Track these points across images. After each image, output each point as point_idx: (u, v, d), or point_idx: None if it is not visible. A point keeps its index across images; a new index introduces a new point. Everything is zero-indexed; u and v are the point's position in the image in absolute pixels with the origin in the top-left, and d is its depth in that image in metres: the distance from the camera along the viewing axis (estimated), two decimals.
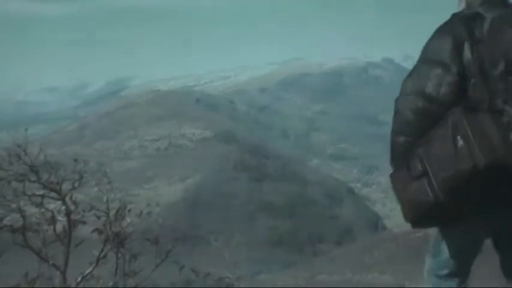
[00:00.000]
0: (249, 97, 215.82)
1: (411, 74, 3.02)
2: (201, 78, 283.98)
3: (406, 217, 2.96)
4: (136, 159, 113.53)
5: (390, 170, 3.07)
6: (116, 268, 5.89)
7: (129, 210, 5.95)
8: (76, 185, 5.93)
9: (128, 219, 5.89)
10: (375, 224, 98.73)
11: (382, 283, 51.43)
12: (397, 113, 3.00)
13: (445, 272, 3.13)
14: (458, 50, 2.89)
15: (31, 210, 5.81)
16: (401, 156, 2.96)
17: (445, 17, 3.08)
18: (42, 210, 5.80)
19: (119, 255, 5.88)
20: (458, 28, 2.94)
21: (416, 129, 2.91)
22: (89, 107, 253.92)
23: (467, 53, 2.89)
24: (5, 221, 5.71)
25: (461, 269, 3.13)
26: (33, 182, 5.79)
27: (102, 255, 5.88)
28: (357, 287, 50.37)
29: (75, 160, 6.09)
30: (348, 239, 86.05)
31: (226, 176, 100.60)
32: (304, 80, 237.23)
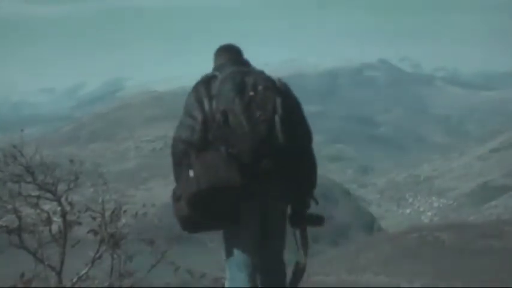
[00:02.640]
0: None
1: (178, 125, 4.03)
2: (197, 79, 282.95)
3: (180, 226, 4.00)
4: (132, 160, 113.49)
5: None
6: (112, 269, 5.90)
7: (125, 211, 5.97)
8: (72, 185, 5.94)
9: (124, 220, 5.90)
10: (370, 224, 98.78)
11: (378, 283, 51.46)
12: (171, 154, 4.02)
13: (240, 263, 4.02)
14: (201, 105, 3.96)
15: (27, 211, 5.82)
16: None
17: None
18: (38, 211, 5.81)
19: (115, 255, 5.89)
20: (200, 88, 4.04)
21: (181, 165, 3.94)
22: (85, 107, 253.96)
23: (206, 107, 3.94)
24: (1, 222, 5.71)
25: (250, 259, 4.05)
26: (29, 182, 5.80)
27: (97, 255, 5.89)
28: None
29: (71, 161, 6.10)
30: (343, 239, 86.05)
31: None
32: (300, 81, 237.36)
